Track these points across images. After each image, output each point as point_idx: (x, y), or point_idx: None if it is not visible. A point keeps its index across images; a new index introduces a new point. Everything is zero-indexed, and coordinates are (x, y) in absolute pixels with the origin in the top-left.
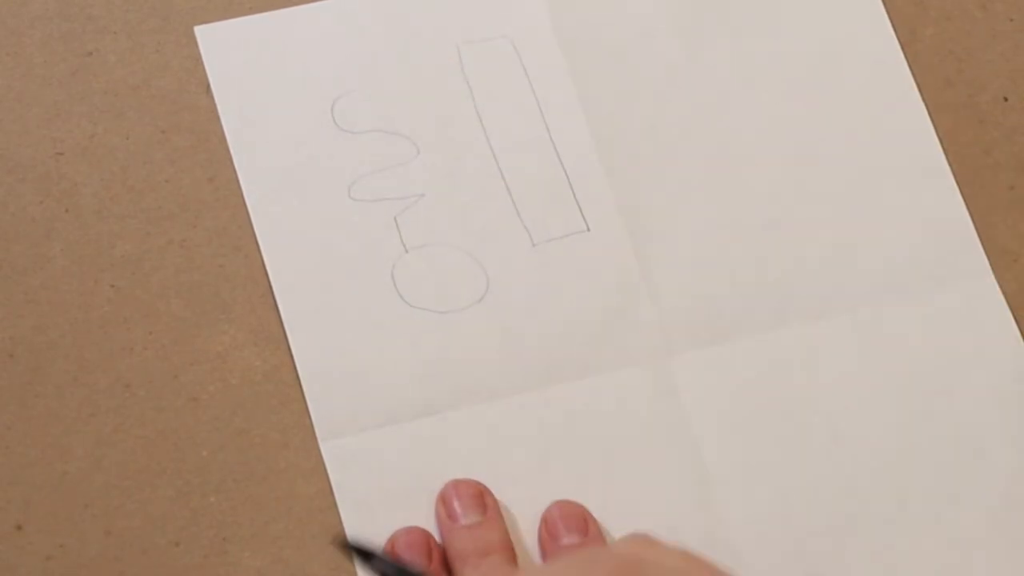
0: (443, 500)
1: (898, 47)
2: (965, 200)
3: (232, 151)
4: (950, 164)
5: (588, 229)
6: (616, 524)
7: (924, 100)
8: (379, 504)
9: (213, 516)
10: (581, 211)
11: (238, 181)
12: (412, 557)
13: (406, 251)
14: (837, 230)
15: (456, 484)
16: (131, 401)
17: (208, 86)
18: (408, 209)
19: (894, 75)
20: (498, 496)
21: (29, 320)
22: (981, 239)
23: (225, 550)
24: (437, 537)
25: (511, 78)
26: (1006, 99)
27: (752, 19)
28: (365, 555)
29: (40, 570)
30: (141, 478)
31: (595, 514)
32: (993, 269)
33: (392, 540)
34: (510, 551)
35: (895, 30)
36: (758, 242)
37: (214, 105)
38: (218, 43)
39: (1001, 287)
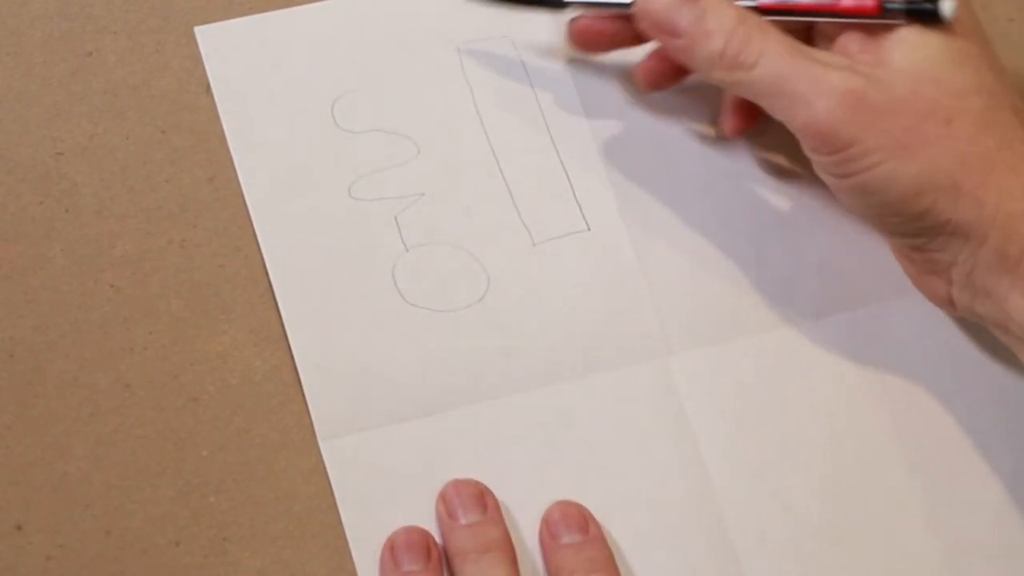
0: (443, 499)
1: None
2: None
3: (232, 151)
4: None
5: (588, 228)
6: (616, 524)
7: None
8: (379, 503)
9: (213, 516)
10: (581, 210)
11: (238, 181)
12: (411, 556)
13: (406, 250)
14: (836, 229)
15: (456, 484)
16: (131, 401)
17: (208, 86)
18: (408, 208)
19: None
20: (498, 496)
21: (29, 320)
22: None
23: (225, 550)
24: (437, 536)
25: (511, 77)
26: None
27: None
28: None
29: (40, 570)
30: (141, 478)
31: (595, 514)
32: None
33: (391, 539)
34: (510, 550)
35: None
36: (758, 241)
37: (214, 105)
38: (218, 43)
39: None
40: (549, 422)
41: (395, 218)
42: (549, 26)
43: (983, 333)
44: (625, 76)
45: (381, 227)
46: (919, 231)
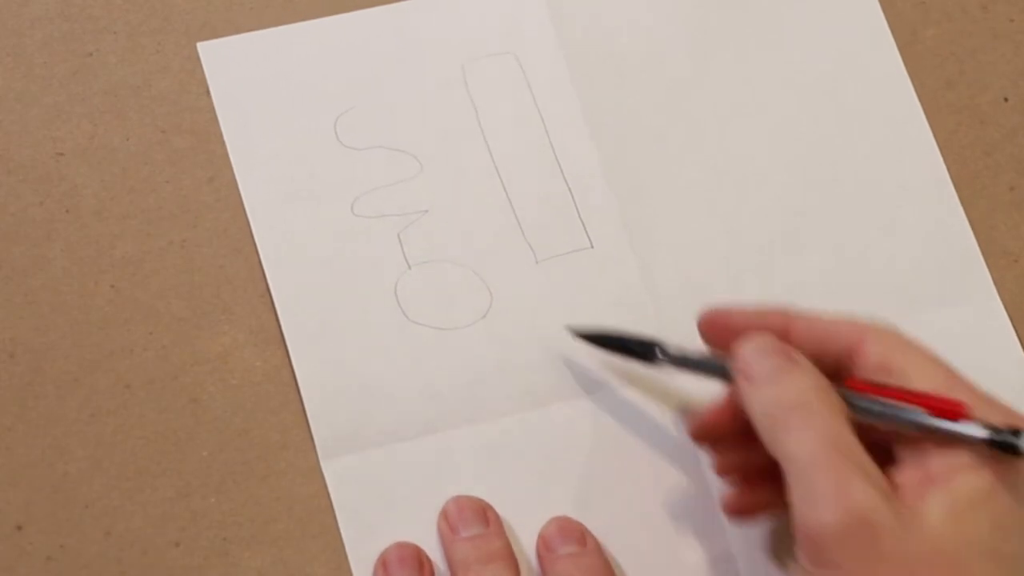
0: (445, 515)
1: (900, 62)
2: (965, 202)
3: (235, 166)
4: (950, 165)
5: (592, 246)
6: (617, 541)
7: (925, 101)
8: (380, 522)
9: (213, 517)
10: (585, 228)
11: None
12: (403, 571)
13: (409, 267)
14: (841, 246)
15: (458, 499)
16: (131, 402)
17: (208, 87)
18: (411, 225)
19: (897, 91)
20: (499, 514)
21: (29, 321)
22: (981, 241)
23: (225, 550)
24: (439, 553)
25: (515, 94)
26: (1006, 100)
27: (755, 34)
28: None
29: (40, 570)
30: (141, 479)
31: (595, 532)
32: (992, 270)
33: (383, 555)
34: (513, 562)
35: (896, 32)
36: (762, 259)
37: (214, 106)
38: (221, 59)
39: (1001, 289)
40: (551, 441)
41: (398, 235)
42: (554, 46)
43: (986, 349)
44: (629, 93)
45: (384, 244)
46: None
